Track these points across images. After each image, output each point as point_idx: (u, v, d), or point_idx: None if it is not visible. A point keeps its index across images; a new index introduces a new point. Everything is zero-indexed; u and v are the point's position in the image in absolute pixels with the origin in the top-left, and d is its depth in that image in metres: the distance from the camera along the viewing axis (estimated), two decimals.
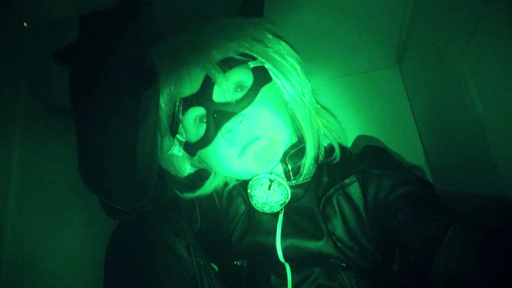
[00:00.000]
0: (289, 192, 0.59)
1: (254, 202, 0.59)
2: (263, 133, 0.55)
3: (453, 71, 0.59)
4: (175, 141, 0.59)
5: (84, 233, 0.60)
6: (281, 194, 0.59)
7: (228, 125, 0.54)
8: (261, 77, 0.57)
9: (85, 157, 0.45)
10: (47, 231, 0.55)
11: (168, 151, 0.60)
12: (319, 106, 0.66)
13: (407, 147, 0.83)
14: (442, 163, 0.77)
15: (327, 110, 0.69)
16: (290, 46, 0.62)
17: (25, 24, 0.49)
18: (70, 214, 0.58)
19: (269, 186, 0.58)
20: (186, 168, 0.64)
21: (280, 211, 0.60)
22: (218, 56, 0.55)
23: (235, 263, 0.59)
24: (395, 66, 0.89)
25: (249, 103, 0.55)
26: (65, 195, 0.59)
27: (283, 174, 0.61)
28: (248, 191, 0.60)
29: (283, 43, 0.61)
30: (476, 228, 0.46)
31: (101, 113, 0.41)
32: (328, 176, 0.61)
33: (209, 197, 0.62)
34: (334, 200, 0.59)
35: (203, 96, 0.54)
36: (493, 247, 0.41)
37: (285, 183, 0.59)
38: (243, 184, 0.63)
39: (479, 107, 0.53)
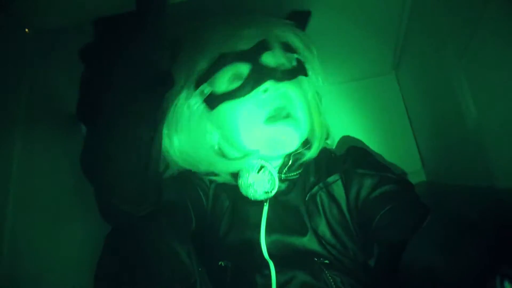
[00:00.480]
0: (277, 184, 0.60)
1: (240, 182, 0.61)
2: (293, 112, 0.58)
3: (449, 78, 0.60)
4: (196, 92, 0.58)
5: (84, 234, 0.59)
6: (268, 182, 0.60)
7: (267, 84, 0.56)
8: (301, 68, 0.61)
9: (100, 160, 0.45)
10: (47, 233, 0.55)
11: (187, 100, 0.59)
12: None
13: (404, 153, 0.84)
14: (438, 169, 0.78)
15: None
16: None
17: (26, 30, 0.50)
18: (70, 215, 0.58)
19: (258, 170, 0.60)
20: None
21: (265, 203, 0.61)
22: (278, 33, 0.59)
23: (219, 263, 0.59)
24: (391, 73, 0.90)
25: (290, 78, 0.58)
26: (65, 197, 0.59)
27: (277, 167, 0.63)
28: (239, 172, 0.61)
29: (318, 63, 0.65)
30: (448, 221, 0.48)
31: (118, 116, 0.43)
32: (315, 175, 0.63)
33: (197, 197, 0.63)
34: (318, 198, 0.61)
35: (253, 54, 0.57)
36: (464, 239, 0.42)
37: (275, 173, 0.60)
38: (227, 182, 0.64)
39: (475, 114, 0.54)
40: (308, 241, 0.58)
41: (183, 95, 0.59)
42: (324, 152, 0.67)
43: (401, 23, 0.76)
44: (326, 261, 0.57)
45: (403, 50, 0.83)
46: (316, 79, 0.64)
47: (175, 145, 0.60)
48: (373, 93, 0.89)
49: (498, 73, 0.48)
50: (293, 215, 0.60)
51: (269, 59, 0.58)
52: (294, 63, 0.60)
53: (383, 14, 0.75)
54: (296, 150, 0.63)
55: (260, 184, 0.60)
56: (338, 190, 0.61)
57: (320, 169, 0.64)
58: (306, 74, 0.61)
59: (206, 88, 0.58)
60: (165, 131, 0.59)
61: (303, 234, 0.58)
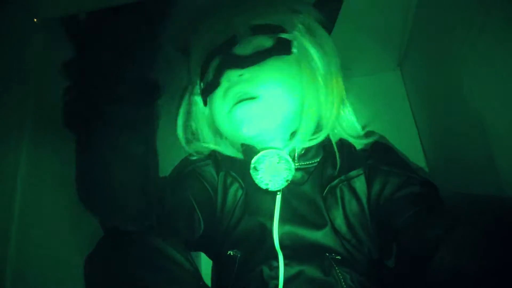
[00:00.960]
0: (294, 169, 0.58)
1: (260, 176, 0.58)
2: (257, 94, 0.54)
3: (455, 75, 0.60)
4: (198, 88, 0.61)
5: (92, 239, 0.59)
6: (287, 170, 0.58)
7: (228, 72, 0.55)
8: (281, 47, 0.57)
9: (92, 179, 0.44)
10: (54, 236, 0.54)
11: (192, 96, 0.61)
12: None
13: (407, 149, 0.81)
14: (442, 166, 0.78)
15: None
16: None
17: (35, 20, 0.50)
18: (78, 220, 0.58)
19: (278, 161, 0.58)
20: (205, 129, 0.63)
21: (278, 193, 0.60)
22: (254, 20, 0.57)
23: (228, 253, 0.59)
24: (396, 70, 0.90)
25: (256, 62, 0.55)
26: (72, 200, 0.59)
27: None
28: (253, 165, 0.58)
29: (330, 43, 0.61)
30: (477, 231, 0.45)
31: (111, 127, 0.42)
32: (333, 167, 0.61)
33: (203, 189, 0.63)
34: (338, 191, 0.60)
35: (225, 47, 0.57)
36: (495, 243, 0.41)
37: (291, 160, 0.58)
38: (237, 169, 0.63)
39: (481, 110, 0.54)
40: (323, 234, 0.57)
41: (193, 89, 0.61)
42: (344, 144, 0.64)
43: (406, 20, 0.76)
44: (338, 257, 0.56)
45: (408, 47, 0.83)
46: (308, 56, 0.58)
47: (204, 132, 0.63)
48: (378, 89, 0.90)
49: (506, 70, 0.48)
50: (308, 206, 0.59)
51: (241, 48, 0.56)
52: (269, 43, 0.56)
53: (389, 11, 0.75)
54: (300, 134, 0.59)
55: (280, 174, 0.58)
56: (360, 184, 0.60)
57: (340, 162, 0.62)
58: (287, 52, 0.57)
59: (200, 86, 0.60)
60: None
61: (319, 226, 0.58)
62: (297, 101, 0.57)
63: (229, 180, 0.64)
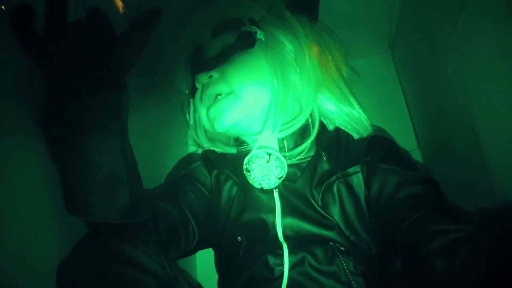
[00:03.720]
0: (286, 166, 0.59)
1: (252, 177, 0.60)
2: (230, 89, 0.57)
3: (440, 56, 0.61)
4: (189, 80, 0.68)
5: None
6: (279, 167, 0.59)
7: (199, 77, 0.58)
8: (244, 41, 0.59)
9: (73, 194, 0.44)
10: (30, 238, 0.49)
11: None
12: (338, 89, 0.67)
13: (400, 132, 0.84)
14: (433, 150, 0.79)
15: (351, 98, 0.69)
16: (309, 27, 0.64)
17: (2, 7, 0.48)
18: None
19: (268, 160, 0.59)
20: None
21: (275, 189, 0.61)
22: (216, 19, 0.61)
23: (237, 238, 0.60)
24: (387, 53, 0.91)
25: (221, 62, 0.59)
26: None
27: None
28: (245, 166, 0.60)
29: (296, 24, 0.61)
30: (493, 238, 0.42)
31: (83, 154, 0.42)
32: (329, 163, 0.61)
33: (198, 193, 0.64)
34: (335, 188, 0.59)
35: (196, 55, 0.63)
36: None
37: (282, 157, 0.59)
38: (230, 166, 0.65)
39: (467, 92, 0.55)
40: (324, 229, 0.57)
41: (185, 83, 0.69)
42: (341, 137, 0.64)
43: (395, 2, 0.77)
44: (342, 248, 0.57)
45: (398, 29, 0.84)
46: (277, 41, 0.60)
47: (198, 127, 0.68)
48: (369, 72, 0.90)
49: (488, 48, 0.48)
50: (305, 203, 0.59)
51: (207, 51, 0.62)
52: (232, 39, 0.60)
53: None
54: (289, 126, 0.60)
55: (272, 172, 0.59)
56: (358, 182, 0.59)
57: (337, 156, 0.62)
58: (251, 46, 0.59)
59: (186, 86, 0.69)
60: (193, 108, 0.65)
61: (319, 222, 0.58)
62: (269, 88, 0.59)
63: (222, 177, 0.65)
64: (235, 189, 0.64)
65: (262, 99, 0.59)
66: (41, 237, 0.50)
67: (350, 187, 0.59)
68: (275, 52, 0.59)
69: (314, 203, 0.59)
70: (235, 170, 0.64)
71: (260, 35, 0.60)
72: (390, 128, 0.84)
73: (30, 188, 0.49)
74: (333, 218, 0.58)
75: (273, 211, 0.60)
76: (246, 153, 0.60)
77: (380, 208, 0.57)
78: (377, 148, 0.61)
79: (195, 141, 0.69)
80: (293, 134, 0.61)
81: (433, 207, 0.52)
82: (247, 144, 0.64)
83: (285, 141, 0.61)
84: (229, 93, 0.57)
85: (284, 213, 0.59)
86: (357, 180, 0.59)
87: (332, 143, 0.63)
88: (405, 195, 0.54)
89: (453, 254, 0.44)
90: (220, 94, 0.57)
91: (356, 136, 0.67)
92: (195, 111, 0.64)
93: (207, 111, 0.58)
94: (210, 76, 0.58)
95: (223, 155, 0.66)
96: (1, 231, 0.44)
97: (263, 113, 0.59)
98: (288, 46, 0.60)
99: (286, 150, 0.61)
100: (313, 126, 0.61)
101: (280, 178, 0.59)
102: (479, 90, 0.53)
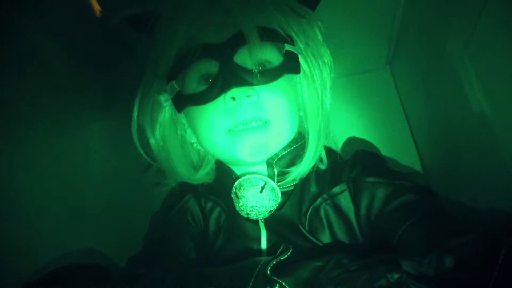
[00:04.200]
0: (279, 199, 0.55)
1: (241, 204, 0.54)
2: (267, 118, 0.51)
3: (453, 70, 0.57)
4: (167, 87, 0.53)
5: None
6: (272, 199, 0.55)
7: (236, 91, 0.49)
8: (291, 64, 0.53)
9: None
10: None
11: (158, 94, 0.55)
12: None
13: (401, 150, 0.81)
14: (438, 167, 0.75)
15: None
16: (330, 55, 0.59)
17: None
18: None
19: (262, 189, 0.54)
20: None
21: (261, 220, 0.56)
22: (262, 20, 0.51)
23: None
24: (386, 68, 0.88)
25: (268, 81, 0.50)
26: None
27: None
28: (234, 190, 0.55)
29: (327, 51, 0.58)
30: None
31: None
32: (316, 185, 0.57)
33: (193, 229, 0.58)
34: (322, 212, 0.54)
35: (225, 50, 0.49)
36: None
37: (278, 188, 0.55)
38: (217, 191, 0.60)
39: (485, 105, 0.51)
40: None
41: (155, 87, 0.54)
42: (329, 155, 0.61)
43: (395, 17, 0.75)
44: None
45: (397, 44, 0.81)
46: (314, 75, 0.55)
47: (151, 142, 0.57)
48: (367, 89, 0.87)
49: (506, 62, 0.45)
50: (292, 231, 0.54)
51: (244, 56, 0.50)
52: (280, 59, 0.52)
53: (376, 7, 0.73)
54: (281, 153, 0.56)
55: (264, 203, 0.54)
56: (345, 201, 0.55)
57: (324, 177, 0.58)
58: (297, 72, 0.53)
59: (176, 84, 0.53)
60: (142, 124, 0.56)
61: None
62: (296, 122, 0.55)
63: (209, 205, 0.59)
64: (223, 217, 0.58)
65: (292, 132, 0.55)
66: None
67: (338, 209, 0.54)
68: (311, 80, 0.55)
69: (303, 230, 0.54)
70: (222, 196, 0.58)
71: (301, 59, 0.54)
72: (391, 146, 0.81)
73: None
74: (323, 244, 0.53)
75: (258, 240, 0.54)
76: (232, 179, 0.56)
77: (372, 226, 0.52)
78: (362, 162, 0.58)
79: (172, 173, 0.59)
80: (283, 158, 0.57)
81: (423, 214, 0.47)
82: (233, 171, 0.58)
83: (275, 169, 0.56)
84: (266, 122, 0.51)
85: (270, 243, 0.54)
86: (345, 199, 0.55)
87: (324, 161, 0.60)
88: (394, 207, 0.50)
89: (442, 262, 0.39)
90: (256, 121, 0.51)
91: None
92: (186, 116, 0.55)
93: (234, 134, 0.51)
94: (249, 95, 0.50)
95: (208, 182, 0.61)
96: None
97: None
98: (316, 75, 0.56)
99: (275, 177, 0.56)
100: (305, 151, 0.57)
101: (270, 211, 0.55)
102: (503, 106, 0.48)
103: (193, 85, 0.52)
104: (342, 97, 0.86)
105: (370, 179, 0.54)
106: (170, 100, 0.54)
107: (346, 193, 0.55)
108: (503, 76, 0.46)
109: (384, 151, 0.80)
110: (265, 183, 0.54)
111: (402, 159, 0.79)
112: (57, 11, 0.58)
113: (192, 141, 0.59)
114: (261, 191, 0.54)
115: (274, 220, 0.55)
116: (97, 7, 0.61)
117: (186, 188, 0.61)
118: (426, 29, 0.66)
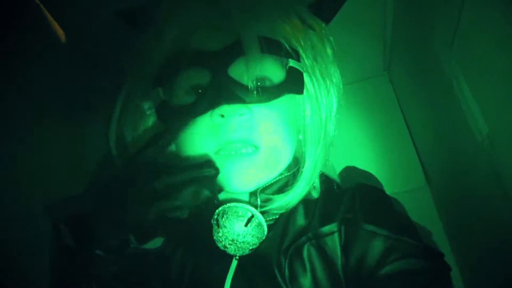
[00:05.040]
0: (265, 236, 0.48)
1: (220, 235, 0.47)
2: (259, 143, 0.45)
3: (442, 72, 0.53)
4: (152, 94, 0.47)
5: None
6: (255, 236, 0.48)
7: (226, 108, 0.42)
8: (294, 83, 0.46)
9: None
10: None
11: (141, 101, 0.49)
12: None
13: (404, 166, 0.76)
14: (446, 184, 0.69)
15: None
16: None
17: None
18: None
19: (247, 222, 0.47)
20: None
21: (236, 257, 0.48)
22: (265, 30, 0.44)
23: None
24: (383, 75, 0.84)
25: (264, 101, 0.44)
26: None
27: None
28: (216, 217, 0.47)
29: (336, 70, 0.51)
30: None
31: None
32: (305, 217, 0.49)
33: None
34: (305, 252, 0.46)
35: (219, 60, 0.43)
36: None
37: (265, 224, 0.47)
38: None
39: (474, 106, 0.47)
40: None
41: (139, 92, 0.49)
42: (323, 182, 0.52)
43: (386, 22, 0.72)
44: None
45: (392, 50, 0.77)
46: (319, 96, 0.48)
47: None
48: (366, 96, 0.82)
49: (493, 58, 0.41)
50: (266, 274, 0.47)
51: (240, 69, 0.44)
52: (281, 76, 0.46)
53: (367, 13, 0.71)
54: (267, 185, 0.49)
55: (246, 239, 0.47)
56: (332, 245, 0.46)
57: (314, 208, 0.50)
58: (299, 92, 0.46)
59: (160, 93, 0.47)
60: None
61: None
62: (291, 149, 0.48)
63: (171, 244, 0.51)
64: (190, 262, 0.50)
65: (285, 162, 0.48)
66: None
67: (323, 252, 0.46)
68: (314, 106, 0.48)
69: (279, 277, 0.45)
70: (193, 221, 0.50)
71: (306, 78, 0.47)
72: (392, 161, 0.76)
73: None
74: None
75: (221, 282, 0.46)
76: (213, 204, 0.48)
77: (361, 283, 0.43)
78: (362, 201, 0.48)
79: None
80: (270, 187, 0.49)
81: None
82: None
83: (258, 197, 0.49)
84: (257, 148, 0.45)
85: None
86: (332, 243, 0.46)
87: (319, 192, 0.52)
88: (392, 271, 0.41)
89: None
90: (246, 147, 0.45)
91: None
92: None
93: (220, 161, 0.45)
94: (241, 114, 0.44)
95: None
96: None
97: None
98: (323, 98, 0.49)
99: (258, 207, 0.48)
100: (297, 179, 0.49)
101: (251, 249, 0.48)
102: (490, 99, 0.44)
103: (180, 95, 0.46)
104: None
105: (369, 227, 0.45)
106: (152, 110, 0.49)
107: (335, 237, 0.46)
108: (489, 74, 0.42)
109: (385, 160, 0.76)
110: (252, 216, 0.47)
111: (405, 175, 0.74)
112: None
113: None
114: (246, 225, 0.47)
115: (250, 258, 0.48)
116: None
117: None
118: (416, 33, 0.62)
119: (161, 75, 0.47)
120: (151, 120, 0.50)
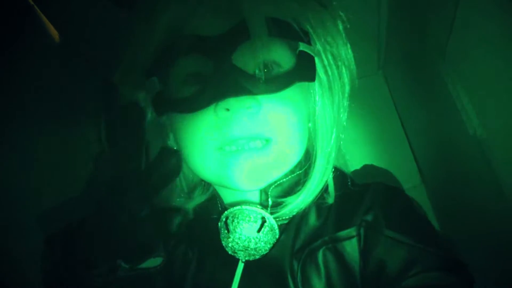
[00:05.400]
0: (275, 240, 0.45)
1: (230, 239, 0.44)
2: (270, 136, 0.41)
3: (436, 72, 0.53)
4: (147, 84, 0.42)
5: None
6: (268, 243, 0.45)
7: (231, 101, 0.38)
8: (305, 69, 0.41)
9: None
10: None
11: (135, 92, 0.44)
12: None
13: (399, 165, 0.75)
14: (441, 182, 0.70)
15: None
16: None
17: None
18: None
19: (260, 228, 0.44)
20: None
21: (241, 261, 0.46)
22: (273, 9, 0.39)
23: None
24: (378, 74, 0.83)
25: (275, 90, 0.40)
26: None
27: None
28: (225, 220, 0.45)
29: (350, 52, 0.47)
30: None
31: None
32: (317, 217, 0.46)
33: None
34: (320, 257, 0.44)
35: (221, 46, 0.38)
36: None
37: (277, 228, 0.45)
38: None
39: (467, 104, 0.47)
40: None
41: (131, 81, 0.44)
42: (337, 181, 0.48)
43: (380, 20, 0.71)
44: None
45: (387, 49, 0.77)
46: (332, 82, 0.44)
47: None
48: (360, 95, 0.81)
49: (487, 58, 0.41)
50: (277, 278, 0.44)
51: (246, 55, 0.39)
52: (291, 62, 0.41)
53: (360, 11, 0.68)
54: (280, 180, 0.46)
55: (257, 245, 0.44)
56: (351, 251, 0.43)
57: (328, 208, 0.47)
58: (311, 79, 0.42)
59: (155, 83, 0.41)
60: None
61: None
62: (305, 144, 0.45)
63: (172, 241, 0.49)
64: (193, 263, 0.47)
65: (298, 155, 0.44)
66: None
67: (341, 257, 0.44)
68: (326, 93, 0.45)
69: (290, 280, 0.43)
70: (196, 223, 0.48)
71: (317, 62, 0.43)
72: (388, 160, 0.76)
73: None
74: None
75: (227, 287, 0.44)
76: (220, 206, 0.46)
77: None
78: (382, 204, 0.45)
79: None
80: (281, 185, 0.46)
81: None
82: (219, 195, 0.49)
83: (269, 197, 0.45)
84: (267, 141, 0.41)
85: None
86: (351, 248, 0.43)
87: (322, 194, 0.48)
88: (415, 283, 0.39)
89: None
90: (255, 140, 0.41)
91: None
92: (168, 119, 0.45)
93: (226, 157, 0.41)
94: (249, 107, 0.39)
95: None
96: None
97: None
98: (335, 84, 0.45)
99: (269, 208, 0.45)
100: (309, 177, 0.45)
101: (261, 255, 0.45)
102: (483, 97, 0.44)
103: (178, 86, 0.42)
104: None
105: (390, 233, 0.42)
106: (147, 101, 0.43)
107: (354, 242, 0.44)
108: (482, 73, 0.43)
109: (381, 161, 0.75)
110: (265, 221, 0.44)
111: (400, 174, 0.73)
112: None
113: (174, 148, 0.48)
114: (258, 231, 0.44)
115: (258, 264, 0.45)
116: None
117: None
118: (410, 32, 0.62)
119: (156, 63, 0.41)
120: (148, 113, 0.44)
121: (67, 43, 0.61)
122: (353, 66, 0.47)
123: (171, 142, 0.47)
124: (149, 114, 0.44)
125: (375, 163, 0.76)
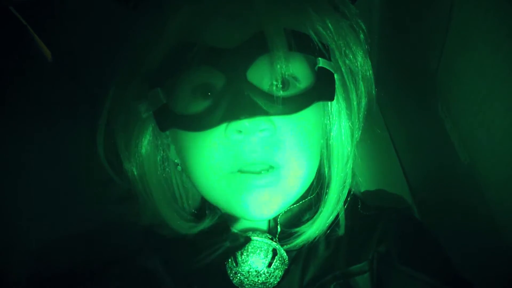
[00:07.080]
0: (282, 275, 0.43)
1: (240, 270, 0.41)
2: (281, 163, 0.38)
3: (427, 89, 0.53)
4: (149, 95, 0.38)
5: None
6: (278, 276, 0.43)
7: (245, 123, 0.35)
8: (324, 87, 0.39)
9: None
10: None
11: (136, 101, 0.40)
12: None
13: (388, 177, 0.76)
14: (426, 189, 0.70)
15: None
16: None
17: None
18: None
19: (270, 263, 0.42)
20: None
21: None
22: (293, 21, 0.37)
23: None
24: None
25: (291, 112, 0.37)
26: None
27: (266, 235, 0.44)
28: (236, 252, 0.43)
29: (369, 62, 0.44)
30: None
31: None
32: (326, 247, 0.44)
33: None
34: None
35: (236, 59, 0.35)
36: None
37: (287, 258, 0.43)
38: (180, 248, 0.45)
39: (458, 126, 0.47)
40: None
41: (132, 90, 0.40)
42: (348, 204, 0.45)
43: (373, 34, 0.71)
44: None
45: (378, 66, 0.75)
46: (350, 101, 0.42)
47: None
48: None
49: (479, 81, 0.42)
50: None
51: (262, 71, 0.36)
52: (310, 79, 0.39)
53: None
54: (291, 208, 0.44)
55: (269, 280, 0.42)
56: (364, 285, 0.42)
57: (340, 238, 0.44)
58: (330, 98, 0.39)
59: (160, 94, 0.38)
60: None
61: None
62: (315, 166, 0.42)
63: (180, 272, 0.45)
64: None
65: (309, 182, 0.42)
66: None
67: None
68: (343, 114, 0.42)
69: None
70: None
71: (336, 79, 0.40)
72: (378, 181, 0.75)
73: None
74: None
75: None
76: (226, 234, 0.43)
77: None
78: (396, 235, 0.43)
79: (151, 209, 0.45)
80: (290, 211, 0.44)
81: None
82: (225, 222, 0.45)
83: (278, 225, 0.43)
84: (279, 167, 0.38)
85: None
86: (363, 283, 0.41)
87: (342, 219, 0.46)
88: None
89: None
90: (267, 168, 0.38)
91: None
92: (172, 138, 0.42)
93: (236, 183, 0.38)
94: (262, 130, 0.37)
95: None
96: None
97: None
98: (354, 109, 0.43)
99: (277, 236, 0.43)
100: (322, 205, 0.43)
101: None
102: (472, 119, 0.44)
103: (185, 100, 0.39)
104: None
105: (405, 268, 0.40)
106: (149, 114, 0.40)
107: (367, 276, 0.42)
108: (472, 95, 0.42)
109: (371, 182, 0.74)
110: (276, 253, 0.42)
111: (390, 189, 0.74)
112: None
113: (176, 161, 0.44)
114: (269, 265, 0.41)
115: None
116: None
117: (153, 235, 0.45)
118: (401, 51, 0.63)
119: (160, 73, 0.38)
120: (148, 125, 0.42)
121: (61, 63, 0.61)
122: (372, 82, 0.44)
123: (172, 155, 0.44)
124: (150, 128, 0.42)
125: (364, 184, 0.77)
